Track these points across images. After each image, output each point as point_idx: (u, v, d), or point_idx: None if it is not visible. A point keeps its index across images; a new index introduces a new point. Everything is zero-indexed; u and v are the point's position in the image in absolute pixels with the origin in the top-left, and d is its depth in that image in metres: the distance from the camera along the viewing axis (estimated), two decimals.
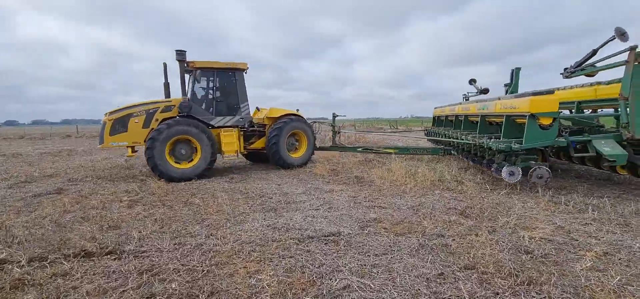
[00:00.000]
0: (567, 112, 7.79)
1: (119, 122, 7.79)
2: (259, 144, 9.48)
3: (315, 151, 10.29)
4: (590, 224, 4.31)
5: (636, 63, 5.40)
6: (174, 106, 8.19)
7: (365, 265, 3.26)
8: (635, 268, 3.07)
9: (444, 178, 7.25)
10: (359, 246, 3.73)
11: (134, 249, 3.67)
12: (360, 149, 10.67)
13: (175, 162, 7.91)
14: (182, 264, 3.29)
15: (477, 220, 4.54)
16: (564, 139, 5.86)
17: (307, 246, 3.76)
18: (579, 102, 7.36)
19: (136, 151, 8.35)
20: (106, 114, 7.93)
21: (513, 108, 6.22)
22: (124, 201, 5.84)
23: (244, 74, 8.98)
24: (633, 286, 2.76)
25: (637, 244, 3.57)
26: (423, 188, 6.62)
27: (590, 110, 7.60)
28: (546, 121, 5.76)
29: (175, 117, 8.18)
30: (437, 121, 12.16)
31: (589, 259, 3.23)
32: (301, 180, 7.78)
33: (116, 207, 5.50)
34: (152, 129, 7.82)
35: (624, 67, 5.64)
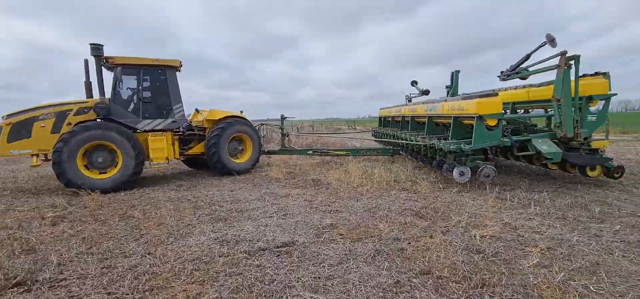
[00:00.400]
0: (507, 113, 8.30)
1: (20, 127, 6.66)
2: (197, 149, 8.67)
3: (265, 155, 9.93)
4: (534, 218, 4.51)
5: (566, 67, 5.81)
6: (91, 107, 7.20)
7: (319, 278, 3.04)
8: (576, 261, 3.19)
9: (399, 178, 7.30)
10: (314, 256, 3.50)
11: (50, 278, 3.10)
12: (310, 152, 10.38)
13: (92, 171, 6.94)
14: (108, 294, 2.81)
15: (431, 220, 4.54)
16: (508, 139, 6.15)
17: (258, 259, 3.45)
18: (514, 103, 7.85)
19: (45, 159, 7.22)
20: (4, 117, 6.82)
21: (461, 109, 6.41)
22: (48, 218, 5.06)
23: (177, 72, 8.11)
24: (575, 281, 2.84)
25: (575, 238, 3.76)
26: (379, 189, 6.59)
27: (523, 110, 8.14)
28: (492, 122, 6.01)
29: (92, 120, 7.16)
30: (384, 121, 12.37)
31: (535, 256, 3.31)
32: (256, 185, 7.40)
33: (36, 225, 4.72)
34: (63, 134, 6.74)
35: (555, 70, 6.06)
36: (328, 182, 7.33)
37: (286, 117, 10.70)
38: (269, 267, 3.27)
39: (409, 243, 3.77)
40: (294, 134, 19.51)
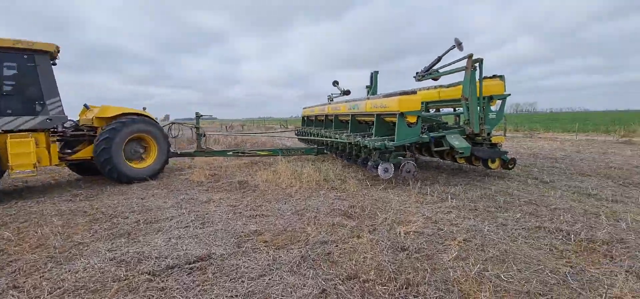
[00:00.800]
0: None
1: None
2: (84, 152, 7.23)
3: (188, 158, 8.97)
4: (451, 211, 4.75)
5: (472, 69, 6.34)
6: None
7: (237, 296, 2.64)
8: (488, 252, 3.36)
9: (329, 178, 7.20)
10: (232, 271, 3.08)
11: None
12: (230, 153, 9.63)
13: None
14: None
15: (359, 220, 4.46)
16: (426, 136, 6.47)
17: (164, 281, 2.90)
18: (427, 103, 8.43)
19: None
20: None
21: (383, 107, 6.56)
22: None
23: (54, 59, 6.72)
24: (489, 271, 2.96)
25: (486, 227, 4.02)
26: (309, 189, 6.38)
27: (434, 109, 8.80)
28: (412, 119, 6.25)
29: None
30: (307, 121, 12.37)
31: (454, 249, 3.40)
32: (173, 190, 6.57)
33: None
34: None
35: (462, 72, 6.58)
36: (255, 184, 6.88)
37: (202, 116, 9.65)
38: (177, 289, 2.75)
39: (337, 246, 3.59)
40: (223, 134, 18.40)
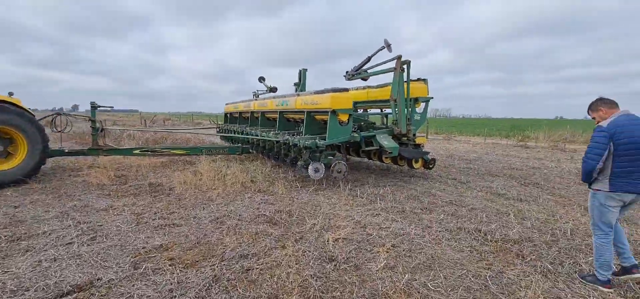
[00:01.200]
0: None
1: None
2: None
3: (60, 157, 7.53)
4: (380, 214, 4.66)
5: (400, 70, 6.44)
6: None
7: None
8: (415, 258, 3.26)
9: (256, 179, 6.69)
10: None
11: None
12: (137, 152, 8.23)
13: None
14: None
15: (285, 227, 4.07)
16: (357, 135, 6.38)
17: None
18: (355, 103, 8.48)
19: None
20: None
21: (315, 104, 6.29)
22: None
23: None
24: (416, 280, 2.83)
25: (413, 230, 3.97)
26: (234, 192, 5.79)
27: (362, 110, 8.92)
28: (344, 118, 6.08)
29: None
30: (230, 117, 11.69)
31: (382, 257, 3.23)
32: (61, 196, 5.36)
33: None
34: None
35: (391, 73, 6.65)
36: (171, 187, 6.02)
37: (99, 107, 8.09)
38: None
39: (258, 260, 3.15)
40: (141, 130, 16.31)
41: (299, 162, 6.40)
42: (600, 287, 2.75)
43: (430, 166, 7.61)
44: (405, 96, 6.66)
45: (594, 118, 2.88)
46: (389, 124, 7.46)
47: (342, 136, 6.13)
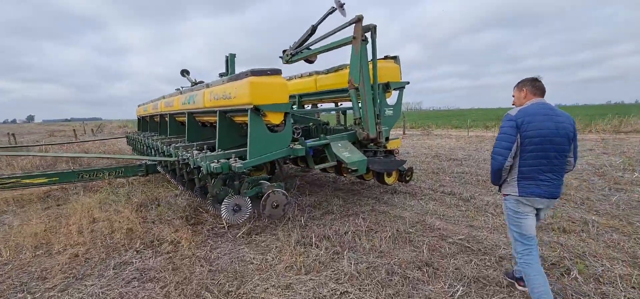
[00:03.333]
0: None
1: None
2: None
3: None
4: (348, 292, 2.86)
5: (362, 40, 4.72)
6: None
7: None
8: None
9: (150, 220, 4.62)
10: None
11: None
12: None
13: None
14: None
15: None
16: (300, 146, 4.53)
17: None
18: (301, 97, 6.72)
19: None
20: None
21: (227, 98, 4.37)
22: None
23: None
24: None
25: None
26: (99, 251, 3.71)
27: (311, 106, 7.18)
28: (276, 119, 4.22)
29: None
30: (142, 123, 9.55)
31: None
32: None
33: None
34: None
35: (349, 47, 4.92)
36: None
37: None
38: None
39: None
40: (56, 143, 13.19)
41: (208, 195, 4.44)
42: None
43: (407, 178, 6.02)
44: (371, 82, 4.96)
45: (513, 97, 2.73)
46: (349, 125, 5.75)
47: (274, 150, 4.26)
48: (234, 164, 3.93)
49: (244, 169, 3.92)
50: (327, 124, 6.16)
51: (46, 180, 6.84)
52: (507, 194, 2.60)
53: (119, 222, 4.79)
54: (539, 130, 2.38)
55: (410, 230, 4.44)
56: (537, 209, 2.54)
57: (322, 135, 4.71)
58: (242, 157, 4.20)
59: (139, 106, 9.89)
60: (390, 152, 5.85)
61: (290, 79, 7.32)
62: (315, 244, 4.01)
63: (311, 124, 6.22)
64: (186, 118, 5.76)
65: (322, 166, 4.61)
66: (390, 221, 4.79)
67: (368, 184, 6.80)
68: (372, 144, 5.16)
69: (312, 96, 6.58)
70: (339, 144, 4.84)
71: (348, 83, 4.93)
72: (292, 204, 4.57)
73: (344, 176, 4.90)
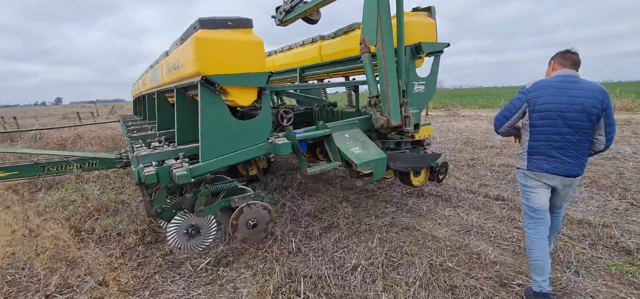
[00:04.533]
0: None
1: None
2: None
3: None
4: None
5: None
6: None
7: None
8: None
9: (92, 237, 3.29)
10: None
11: None
12: None
13: None
14: None
15: None
16: (286, 140, 2.94)
17: None
18: (302, 70, 5.10)
19: None
20: None
21: (177, 69, 2.85)
22: None
23: None
24: None
25: None
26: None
27: (316, 79, 5.57)
28: (244, 98, 2.68)
29: None
30: (136, 103, 8.19)
31: None
32: None
33: None
34: None
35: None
36: None
37: None
38: None
39: None
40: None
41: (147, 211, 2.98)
42: None
43: (442, 177, 4.41)
44: (395, 44, 3.28)
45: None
46: (362, 107, 4.15)
47: (242, 147, 2.73)
48: (176, 171, 2.42)
49: (188, 179, 2.40)
50: (334, 105, 4.56)
51: (5, 174, 5.63)
52: (519, 167, 2.54)
53: (49, 241, 3.46)
54: (546, 104, 2.28)
55: (450, 265, 2.92)
56: (553, 187, 2.40)
57: (320, 122, 3.12)
58: (195, 157, 2.70)
59: (133, 85, 8.52)
60: (419, 143, 4.23)
61: (289, 48, 5.72)
62: (305, 295, 2.53)
63: (315, 106, 4.65)
64: (156, 98, 4.31)
65: (318, 169, 3.01)
66: (419, 244, 3.27)
67: (386, 181, 5.23)
68: (395, 132, 3.55)
69: (317, 69, 4.97)
70: (346, 135, 3.25)
71: (360, 45, 3.29)
72: (274, 218, 3.06)
73: (354, 182, 3.30)
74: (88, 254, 3.32)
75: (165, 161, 2.77)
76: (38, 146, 10.66)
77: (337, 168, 5.62)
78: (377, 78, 3.33)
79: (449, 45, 3.78)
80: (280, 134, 2.94)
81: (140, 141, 3.72)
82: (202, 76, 2.39)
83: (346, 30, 4.32)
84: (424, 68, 3.87)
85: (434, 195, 4.74)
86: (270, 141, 2.80)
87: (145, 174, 2.44)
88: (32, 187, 5.86)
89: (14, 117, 14.66)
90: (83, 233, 3.86)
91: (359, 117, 3.48)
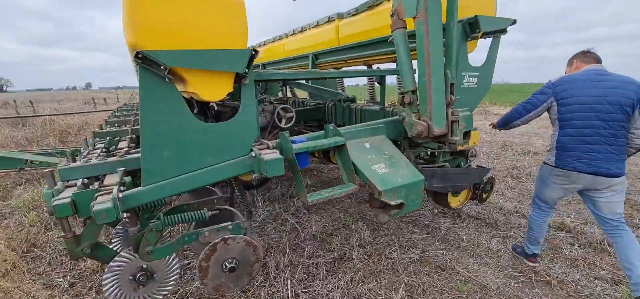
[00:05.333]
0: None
1: None
2: None
3: None
4: None
5: None
6: None
7: None
8: None
9: (45, 255, 2.50)
10: None
11: None
12: None
13: None
14: None
15: None
16: (278, 154, 1.95)
17: None
18: (316, 56, 4.11)
19: None
20: None
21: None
22: None
23: None
24: None
25: None
26: None
27: (332, 66, 4.58)
28: (212, 90, 1.73)
29: None
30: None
31: None
32: None
33: None
34: None
35: None
36: None
37: None
38: None
39: None
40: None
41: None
42: (525, 261, 2.76)
43: (486, 196, 3.36)
44: (446, 17, 2.22)
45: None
46: (390, 104, 3.16)
47: (208, 163, 1.78)
48: (97, 204, 1.50)
49: (112, 216, 1.48)
50: (352, 100, 3.56)
51: None
52: (546, 163, 2.47)
53: None
54: (577, 97, 2.18)
55: None
56: (585, 189, 2.29)
57: (330, 126, 2.12)
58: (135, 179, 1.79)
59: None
60: (461, 154, 3.19)
61: (302, 29, 4.73)
62: None
63: (328, 101, 3.68)
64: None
65: (324, 196, 1.99)
66: (462, 297, 2.28)
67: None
68: (437, 141, 2.52)
69: (332, 55, 3.96)
70: (366, 145, 2.25)
71: (391, 18, 2.27)
72: (261, 259, 2.11)
73: (377, 217, 2.29)
74: (23, 286, 2.50)
75: (103, 180, 1.87)
76: (46, 131, 10.14)
77: None
78: (415, 66, 2.30)
79: (515, 22, 2.68)
80: (271, 143, 1.97)
81: (105, 139, 2.84)
82: (137, 51, 1.44)
83: (371, 4, 3.29)
84: (475, 54, 2.79)
85: (474, 217, 3.71)
86: (253, 154, 1.84)
87: (54, 203, 1.54)
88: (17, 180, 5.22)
89: (31, 102, 14.36)
90: (35, 250, 3.06)
91: (385, 120, 2.47)
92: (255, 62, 1.80)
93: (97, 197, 1.60)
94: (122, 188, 1.67)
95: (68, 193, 1.65)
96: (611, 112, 2.10)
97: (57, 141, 8.38)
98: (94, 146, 2.63)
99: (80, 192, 1.64)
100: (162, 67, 1.51)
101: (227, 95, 1.76)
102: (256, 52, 1.71)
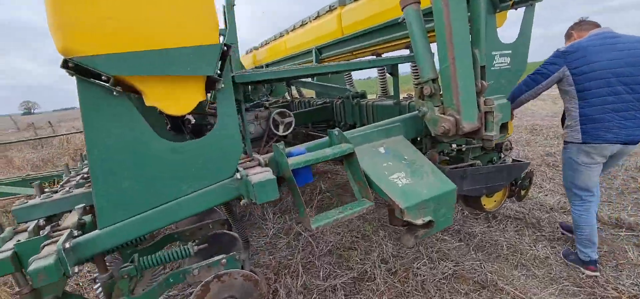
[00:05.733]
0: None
1: None
2: None
3: None
4: None
5: None
6: None
7: None
8: None
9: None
10: None
11: None
12: None
13: None
14: None
15: None
16: (267, 175, 1.57)
17: None
18: (319, 50, 3.70)
19: None
20: None
21: None
22: None
23: None
24: None
25: None
26: None
27: (335, 58, 4.15)
28: (173, 99, 1.35)
29: None
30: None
31: None
32: None
33: None
34: None
35: None
36: None
37: None
38: None
39: None
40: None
41: None
42: (582, 269, 2.29)
43: (524, 193, 2.87)
44: None
45: None
46: (405, 97, 2.73)
47: (184, 193, 1.41)
48: (35, 261, 1.16)
49: (53, 276, 1.13)
50: (362, 96, 3.14)
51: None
52: (569, 142, 2.20)
53: None
54: (593, 63, 1.97)
55: None
56: (607, 157, 2.10)
57: (335, 132, 1.72)
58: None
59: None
60: (495, 148, 2.72)
61: (303, 23, 4.34)
62: None
63: (336, 99, 3.27)
64: None
65: (330, 220, 1.57)
66: None
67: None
68: (469, 139, 2.10)
69: (337, 47, 3.55)
70: (381, 150, 1.84)
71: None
72: (265, 293, 1.74)
73: (402, 238, 1.90)
74: None
75: (60, 220, 1.55)
76: (63, 150, 10.15)
77: None
78: (434, 50, 1.86)
79: None
80: (263, 159, 1.59)
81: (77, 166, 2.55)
82: (66, 59, 1.09)
83: None
84: (507, 28, 2.34)
85: (512, 217, 3.22)
86: (239, 175, 1.46)
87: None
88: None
89: (49, 122, 14.57)
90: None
91: (401, 118, 2.04)
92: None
93: (43, 247, 1.26)
94: (75, 233, 1.33)
95: (11, 244, 1.32)
96: (633, 74, 1.95)
97: (70, 161, 8.31)
98: (79, 171, 2.33)
99: (25, 241, 1.31)
100: (103, 78, 1.14)
101: (197, 106, 1.39)
102: (229, 47, 1.32)
